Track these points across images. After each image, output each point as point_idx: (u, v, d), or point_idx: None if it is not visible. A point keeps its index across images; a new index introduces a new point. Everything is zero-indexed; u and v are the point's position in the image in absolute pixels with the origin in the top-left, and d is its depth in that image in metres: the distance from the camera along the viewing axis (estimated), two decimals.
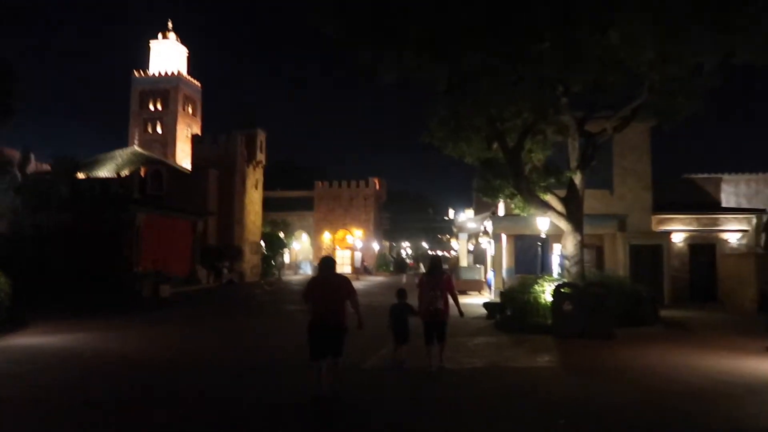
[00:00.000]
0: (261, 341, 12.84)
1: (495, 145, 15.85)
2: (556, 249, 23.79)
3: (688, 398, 7.42)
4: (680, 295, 21.50)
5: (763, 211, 23.46)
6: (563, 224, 14.42)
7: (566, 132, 14.71)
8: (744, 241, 22.41)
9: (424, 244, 76.96)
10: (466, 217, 35.62)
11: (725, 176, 26.85)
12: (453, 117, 14.58)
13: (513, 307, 14.16)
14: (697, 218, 23.04)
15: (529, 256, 23.79)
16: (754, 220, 22.70)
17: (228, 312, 20.33)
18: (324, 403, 6.93)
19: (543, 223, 17.97)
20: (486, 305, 16.96)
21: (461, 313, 9.20)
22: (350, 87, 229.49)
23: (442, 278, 8.82)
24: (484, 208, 31.73)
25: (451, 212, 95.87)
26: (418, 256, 70.06)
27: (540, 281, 14.07)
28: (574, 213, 14.53)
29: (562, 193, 14.83)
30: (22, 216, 21.89)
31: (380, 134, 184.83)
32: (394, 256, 65.08)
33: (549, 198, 14.69)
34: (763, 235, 23.02)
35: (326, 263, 7.28)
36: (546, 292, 13.57)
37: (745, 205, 26.52)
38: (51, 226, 22.88)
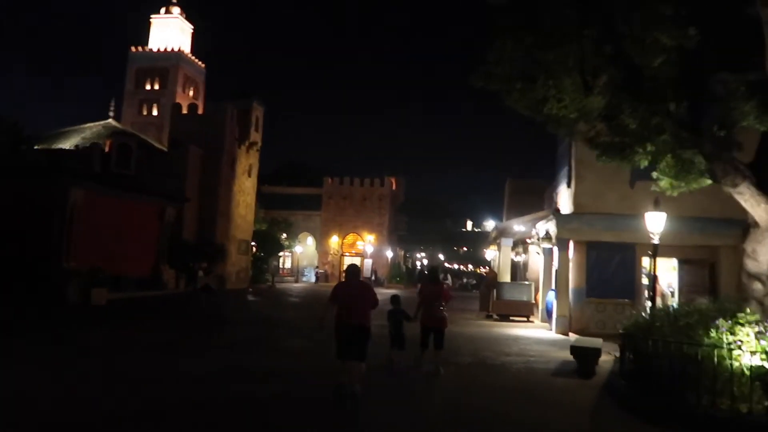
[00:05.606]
0: None
1: (603, 80, 9.03)
2: (644, 265, 16.99)
3: None
4: None
5: None
6: (761, 211, 7.43)
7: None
8: None
9: (441, 256, 69.98)
10: (504, 223, 28.60)
11: None
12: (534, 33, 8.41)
13: (655, 365, 7.17)
14: None
15: (607, 272, 17.06)
16: None
17: (178, 338, 12.55)
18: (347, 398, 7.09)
19: (655, 221, 11.23)
20: (576, 352, 10.01)
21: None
22: (370, 78, 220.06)
23: (442, 288, 9.69)
24: (519, 212, 24.97)
25: (468, 224, 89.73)
26: (436, 268, 62.90)
27: (722, 322, 7.02)
28: None
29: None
30: None
31: (400, 135, 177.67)
32: (426, 266, 58.05)
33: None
34: None
35: (352, 270, 7.85)
36: (744, 345, 6.60)
37: None
38: None
